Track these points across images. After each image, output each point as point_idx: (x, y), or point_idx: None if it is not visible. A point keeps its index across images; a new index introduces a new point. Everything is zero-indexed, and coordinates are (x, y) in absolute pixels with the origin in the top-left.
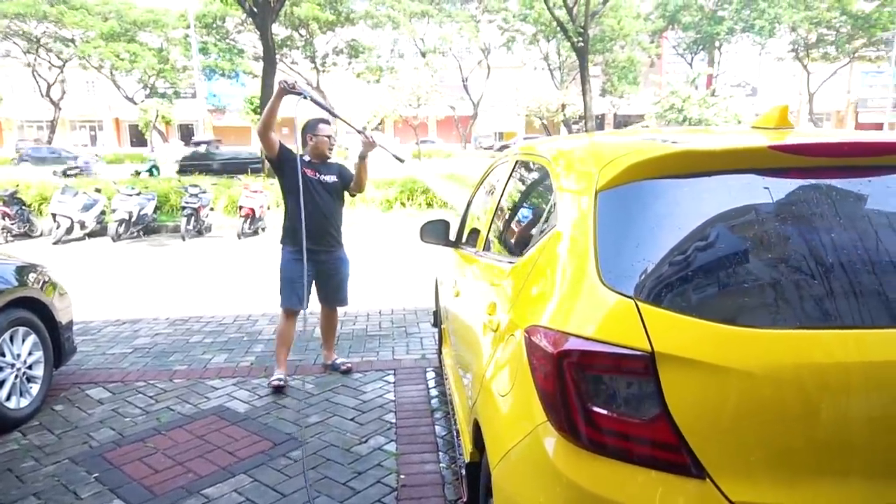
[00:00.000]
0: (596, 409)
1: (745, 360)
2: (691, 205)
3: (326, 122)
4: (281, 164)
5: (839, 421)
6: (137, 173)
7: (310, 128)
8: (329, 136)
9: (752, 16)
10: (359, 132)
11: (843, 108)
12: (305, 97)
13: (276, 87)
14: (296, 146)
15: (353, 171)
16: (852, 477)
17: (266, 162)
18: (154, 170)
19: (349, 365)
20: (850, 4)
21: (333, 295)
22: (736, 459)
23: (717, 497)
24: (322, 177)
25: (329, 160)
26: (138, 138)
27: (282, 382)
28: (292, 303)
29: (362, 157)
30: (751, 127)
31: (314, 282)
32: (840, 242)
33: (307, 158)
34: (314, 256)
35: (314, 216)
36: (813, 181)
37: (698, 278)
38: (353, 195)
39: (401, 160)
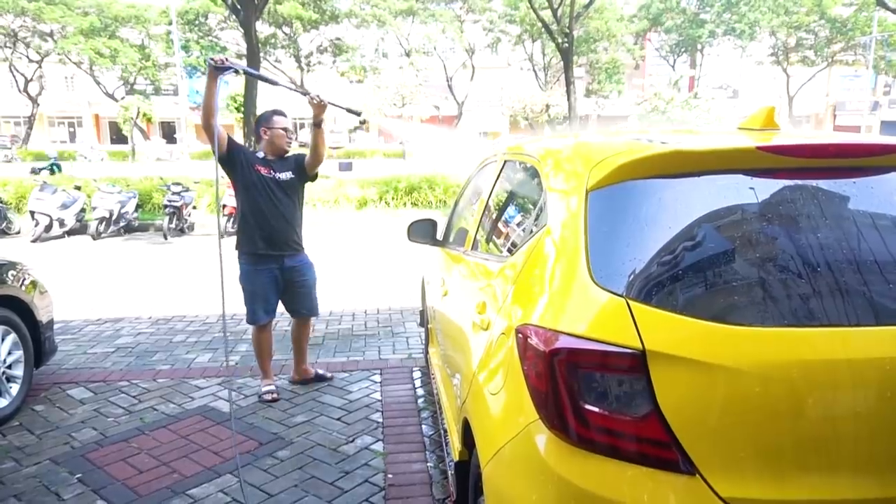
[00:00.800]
0: (587, 406)
1: (734, 357)
2: (681, 204)
3: (283, 113)
4: (231, 160)
5: (825, 417)
6: (36, 171)
7: (264, 120)
8: (286, 129)
9: (733, 19)
10: (304, 94)
11: (822, 110)
12: (238, 71)
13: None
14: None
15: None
16: (838, 472)
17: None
18: (54, 167)
19: (331, 374)
20: (829, 9)
21: (302, 304)
22: (725, 455)
23: (706, 493)
24: (277, 175)
25: (286, 156)
26: (118, 135)
27: (275, 394)
28: (259, 318)
29: (317, 124)
30: (737, 128)
31: (281, 292)
32: (826, 242)
33: (261, 155)
34: (277, 263)
35: (274, 219)
36: (799, 182)
37: (688, 277)
38: (312, 176)
39: (356, 113)
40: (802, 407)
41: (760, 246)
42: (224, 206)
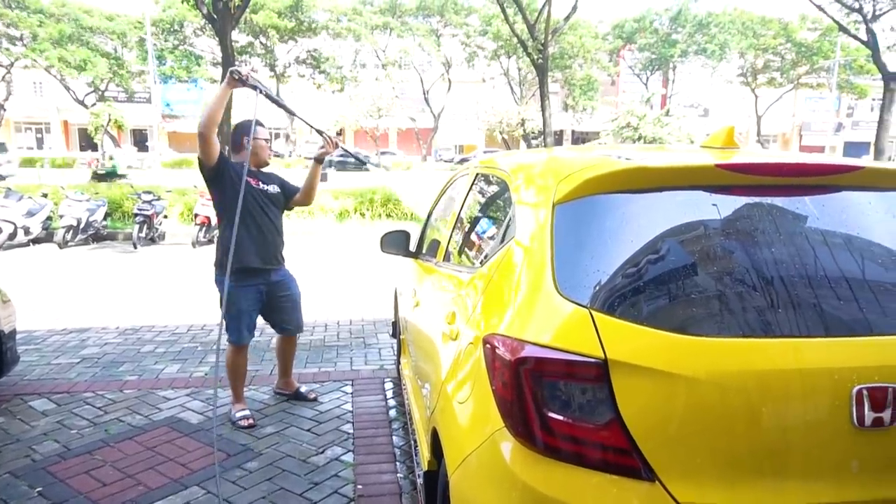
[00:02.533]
0: (552, 414)
1: (692, 367)
2: (644, 219)
3: (262, 123)
4: (221, 172)
5: (778, 425)
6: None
7: (245, 129)
8: (267, 140)
9: (704, 40)
10: (319, 132)
11: (789, 130)
12: (261, 91)
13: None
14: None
15: (290, 180)
16: (791, 478)
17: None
18: (115, 168)
19: (314, 394)
20: (794, 33)
21: (290, 319)
22: (683, 462)
23: (665, 499)
24: (266, 186)
25: (266, 168)
26: (88, 142)
27: (251, 420)
28: (244, 338)
29: (319, 161)
30: (700, 146)
31: (263, 309)
32: (780, 257)
33: (246, 166)
34: (264, 278)
35: (268, 231)
36: (756, 199)
37: (650, 289)
38: (290, 208)
39: (363, 163)
40: (757, 415)
41: (719, 260)
42: (196, 215)
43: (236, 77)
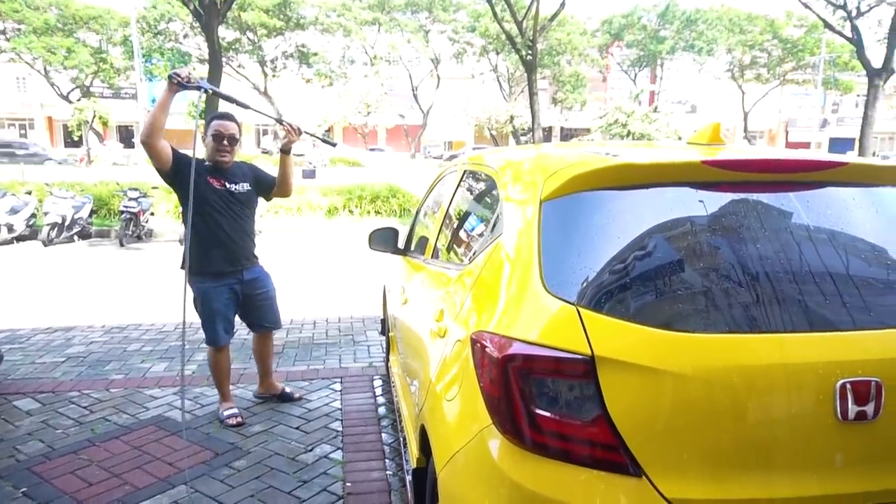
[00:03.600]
0: (539, 411)
1: (678, 363)
2: (630, 215)
3: (224, 117)
4: (178, 175)
5: (764, 419)
6: None
7: (206, 127)
8: (219, 133)
9: (692, 36)
10: (278, 121)
11: (775, 126)
12: (206, 90)
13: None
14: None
15: (271, 172)
16: (776, 471)
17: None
18: None
19: (299, 393)
20: (781, 29)
21: (265, 317)
22: (670, 457)
23: (652, 494)
24: (231, 186)
25: (229, 164)
26: (72, 139)
27: (239, 418)
28: (221, 339)
29: (285, 151)
30: (687, 143)
31: (239, 307)
32: (765, 253)
33: (208, 164)
34: (236, 278)
35: (234, 234)
36: (741, 195)
37: (636, 286)
38: (268, 199)
39: (332, 144)
40: (742, 410)
41: (705, 256)
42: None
43: (175, 81)
